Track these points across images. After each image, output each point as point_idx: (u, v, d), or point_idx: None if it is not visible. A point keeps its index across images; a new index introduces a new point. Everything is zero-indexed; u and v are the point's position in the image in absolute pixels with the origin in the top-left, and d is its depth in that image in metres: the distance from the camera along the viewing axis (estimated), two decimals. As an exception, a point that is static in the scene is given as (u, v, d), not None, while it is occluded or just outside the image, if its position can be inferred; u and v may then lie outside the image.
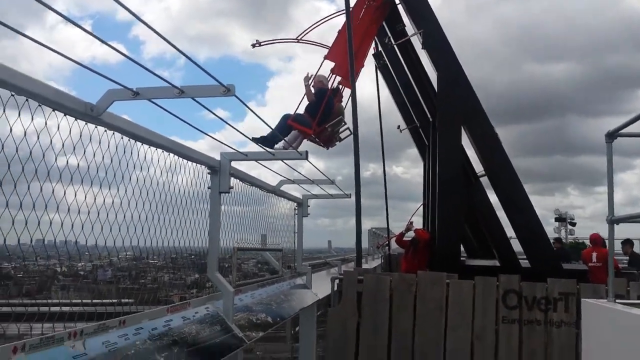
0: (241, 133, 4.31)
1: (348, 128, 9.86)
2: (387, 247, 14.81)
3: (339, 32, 9.82)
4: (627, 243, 12.86)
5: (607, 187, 5.08)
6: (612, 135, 4.91)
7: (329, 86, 9.75)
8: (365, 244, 16.68)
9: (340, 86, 10.04)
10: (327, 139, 9.88)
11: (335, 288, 7.60)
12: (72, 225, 3.02)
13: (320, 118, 9.38)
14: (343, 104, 10.11)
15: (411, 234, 10.99)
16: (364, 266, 11.80)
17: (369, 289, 7.46)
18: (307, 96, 9.52)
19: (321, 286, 8.15)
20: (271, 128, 4.63)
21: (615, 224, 5.04)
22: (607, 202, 4.91)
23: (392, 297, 7.45)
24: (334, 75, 9.86)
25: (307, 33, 10.32)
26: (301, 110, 9.62)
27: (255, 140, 7.76)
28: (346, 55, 9.19)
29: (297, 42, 10.33)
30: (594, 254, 12.19)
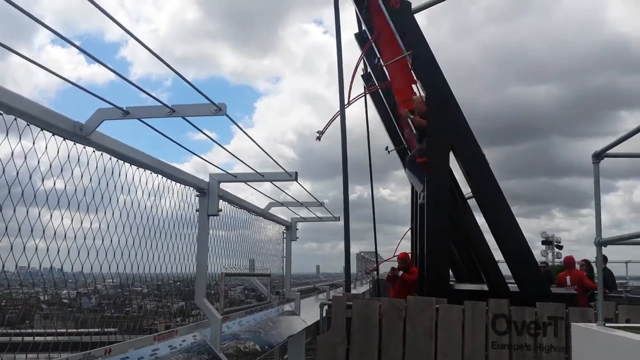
0: (232, 155, 4.24)
1: None
2: (375, 272, 14.72)
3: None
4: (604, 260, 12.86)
5: (595, 208, 5.07)
6: (599, 156, 4.93)
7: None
8: (353, 268, 16.57)
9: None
10: None
11: (325, 314, 7.46)
12: (58, 251, 2.91)
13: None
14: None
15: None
16: (353, 291, 11.67)
17: (358, 315, 7.34)
18: (420, 124, 9.67)
19: (310, 312, 8.02)
20: (263, 149, 4.56)
21: (603, 246, 5.04)
22: (592, 224, 4.91)
23: (382, 323, 7.33)
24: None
25: (354, 100, 10.72)
26: None
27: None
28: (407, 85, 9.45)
29: (347, 106, 10.54)
30: (568, 277, 12.21)
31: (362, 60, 12.10)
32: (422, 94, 9.90)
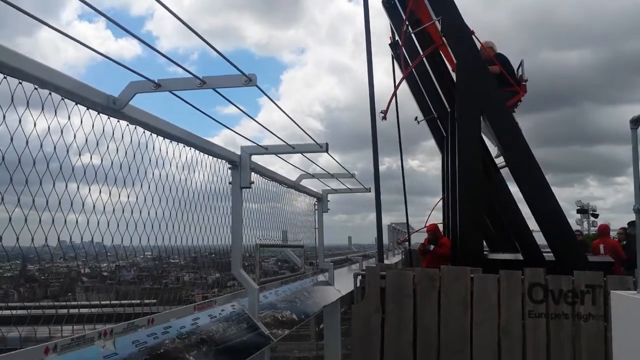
0: (264, 127, 4.22)
1: None
2: (407, 243, 14.69)
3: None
4: (633, 225, 12.53)
5: (633, 175, 4.93)
6: (637, 122, 4.75)
7: None
8: (385, 239, 16.59)
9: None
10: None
11: (358, 284, 7.50)
12: (98, 224, 2.97)
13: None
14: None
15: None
16: (385, 262, 11.69)
17: (391, 285, 7.35)
18: (494, 71, 9.58)
19: (343, 282, 8.07)
20: (293, 120, 4.52)
21: (643, 214, 4.89)
22: (628, 192, 4.80)
23: (416, 293, 7.33)
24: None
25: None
26: None
27: None
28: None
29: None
30: (602, 246, 11.99)
31: (390, 28, 11.88)
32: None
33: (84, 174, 2.84)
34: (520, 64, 10.35)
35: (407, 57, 11.21)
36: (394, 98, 10.47)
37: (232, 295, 4.53)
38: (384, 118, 10.45)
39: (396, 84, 9.71)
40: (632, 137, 4.85)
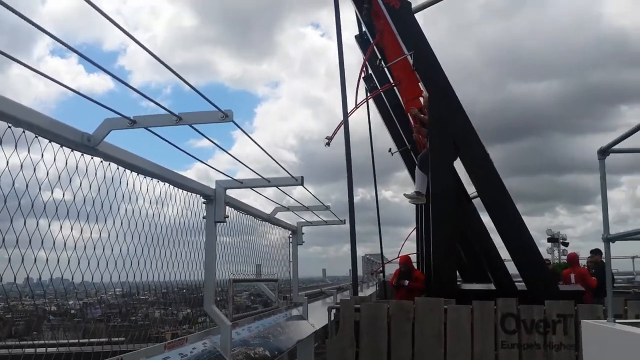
0: (239, 161, 4.23)
1: None
2: (381, 274, 14.68)
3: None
4: (597, 252, 12.80)
5: (602, 204, 5.06)
6: (604, 152, 4.91)
7: None
8: (359, 271, 16.55)
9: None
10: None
11: (332, 318, 7.44)
12: (68, 262, 2.91)
13: None
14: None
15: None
16: (360, 294, 11.64)
17: (366, 318, 7.32)
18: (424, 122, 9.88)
19: (318, 316, 8.00)
20: (268, 154, 4.55)
21: (611, 242, 5.02)
22: (597, 220, 4.92)
23: (390, 325, 7.31)
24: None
25: (357, 107, 10.76)
26: None
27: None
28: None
29: (356, 108, 10.62)
30: (572, 275, 12.17)
31: (363, 62, 12.10)
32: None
33: (56, 210, 2.81)
34: None
35: (377, 84, 11.46)
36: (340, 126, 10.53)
37: (204, 332, 4.45)
38: (328, 144, 10.53)
39: (347, 114, 9.81)
40: (600, 167, 5.00)
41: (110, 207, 3.29)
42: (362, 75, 12.38)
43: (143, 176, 3.56)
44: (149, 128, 3.06)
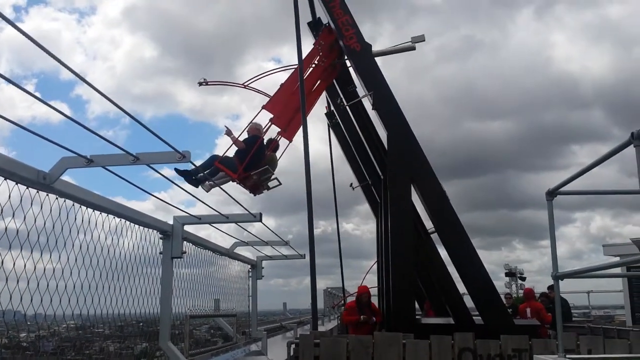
0: (196, 198, 4.27)
1: (276, 178, 9.93)
2: (342, 307, 14.68)
3: (282, 85, 10.01)
4: (551, 288, 13.17)
5: (550, 243, 5.28)
6: (552, 194, 5.15)
7: (263, 135, 9.82)
8: (320, 304, 16.49)
9: (278, 137, 10.11)
10: (253, 185, 9.80)
11: (292, 353, 7.40)
12: (20, 294, 2.88)
13: (248, 164, 9.33)
14: (278, 154, 10.19)
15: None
16: (321, 328, 11.59)
17: (325, 353, 7.30)
18: (236, 144, 9.50)
19: (277, 351, 7.93)
20: (227, 193, 4.61)
21: (560, 280, 5.22)
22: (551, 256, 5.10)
23: (350, 360, 7.31)
24: (269, 125, 9.93)
25: (254, 80, 10.37)
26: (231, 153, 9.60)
27: (179, 172, 7.76)
28: (286, 107, 9.41)
29: (244, 87, 10.36)
30: (528, 309, 12.48)
31: (326, 99, 12.37)
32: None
33: (9, 241, 2.79)
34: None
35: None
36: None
37: (159, 369, 4.40)
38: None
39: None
40: (548, 208, 5.23)
41: (65, 241, 3.29)
42: (325, 111, 12.66)
43: (99, 212, 3.57)
44: (107, 167, 3.09)
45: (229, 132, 9.59)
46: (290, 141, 9.92)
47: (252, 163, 9.37)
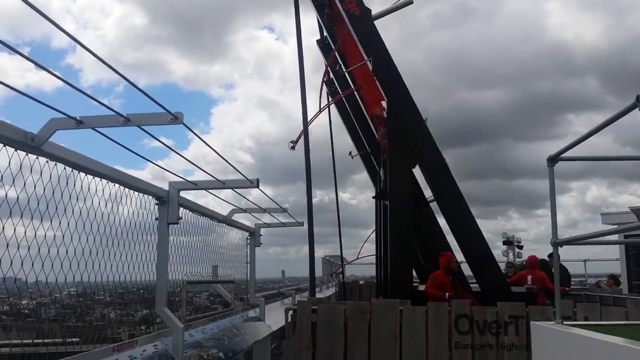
0: (192, 163, 4.21)
1: None
2: (341, 275, 14.79)
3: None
4: (551, 257, 13.19)
5: (551, 210, 5.24)
6: (553, 160, 5.09)
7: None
8: (319, 272, 16.58)
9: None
10: None
11: (290, 319, 7.46)
12: (21, 260, 2.86)
13: None
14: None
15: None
16: (319, 295, 11.69)
17: (323, 319, 7.37)
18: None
19: (275, 317, 8.00)
20: (222, 157, 4.53)
21: (559, 247, 5.21)
22: (548, 224, 5.06)
23: (347, 326, 7.38)
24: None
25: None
26: None
27: None
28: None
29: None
30: (530, 277, 12.52)
31: (325, 66, 12.18)
32: None
33: (9, 208, 2.76)
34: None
35: (328, 93, 11.53)
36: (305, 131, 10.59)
37: (155, 334, 4.41)
38: (292, 148, 10.50)
39: (308, 119, 9.88)
40: (549, 175, 5.17)
41: (65, 207, 3.26)
42: (324, 79, 12.47)
43: (92, 177, 3.51)
44: (97, 129, 3.02)
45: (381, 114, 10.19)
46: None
47: None
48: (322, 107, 11.11)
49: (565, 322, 5.15)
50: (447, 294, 9.15)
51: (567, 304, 7.66)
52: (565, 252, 5.25)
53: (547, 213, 5.17)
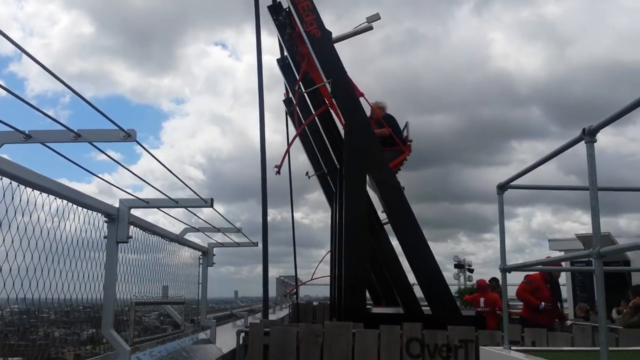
0: (143, 180, 4.12)
1: None
2: (295, 296, 14.69)
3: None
4: (494, 281, 13.61)
5: (500, 237, 5.39)
6: (502, 187, 5.25)
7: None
8: (272, 292, 16.41)
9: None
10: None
11: (241, 342, 7.32)
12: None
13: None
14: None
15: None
16: (272, 317, 11.55)
17: (275, 342, 7.26)
18: (382, 133, 10.00)
19: (227, 340, 7.83)
20: (175, 175, 4.45)
21: (508, 272, 5.35)
22: (496, 248, 5.20)
23: (299, 349, 7.30)
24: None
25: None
26: None
27: None
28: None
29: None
30: (482, 299, 12.88)
31: (284, 85, 12.24)
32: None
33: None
34: (406, 125, 10.98)
35: (299, 115, 11.54)
36: (287, 154, 10.66)
37: (101, 357, 4.25)
38: (278, 172, 10.53)
39: (289, 141, 9.98)
40: (499, 201, 5.32)
41: (4, 222, 3.12)
42: (282, 98, 12.53)
43: (38, 192, 3.37)
44: (46, 144, 2.92)
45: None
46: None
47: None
48: (298, 128, 11.25)
49: (513, 348, 5.26)
50: (543, 303, 8.60)
51: (515, 329, 7.82)
52: (513, 277, 5.38)
53: (494, 237, 5.30)
